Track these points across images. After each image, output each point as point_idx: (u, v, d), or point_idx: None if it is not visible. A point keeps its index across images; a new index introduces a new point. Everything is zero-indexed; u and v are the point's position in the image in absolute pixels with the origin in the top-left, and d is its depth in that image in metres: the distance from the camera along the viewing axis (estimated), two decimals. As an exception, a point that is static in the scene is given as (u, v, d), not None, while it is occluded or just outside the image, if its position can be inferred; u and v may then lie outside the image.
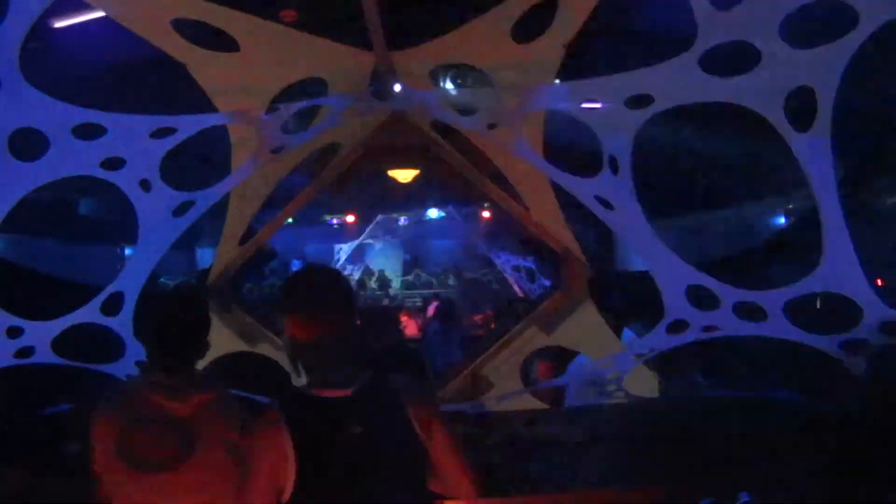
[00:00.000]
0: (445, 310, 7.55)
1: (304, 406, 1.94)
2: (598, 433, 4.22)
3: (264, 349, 5.53)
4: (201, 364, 5.00)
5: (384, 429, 1.95)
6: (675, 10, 3.01)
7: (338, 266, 14.81)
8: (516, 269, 13.64)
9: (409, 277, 17.46)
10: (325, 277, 2.11)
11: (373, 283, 15.99)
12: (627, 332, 5.37)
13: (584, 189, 3.96)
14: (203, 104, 4.29)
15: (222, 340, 5.32)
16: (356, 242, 15.77)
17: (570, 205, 4.76)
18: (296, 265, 14.50)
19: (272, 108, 4.25)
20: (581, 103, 3.64)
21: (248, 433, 1.99)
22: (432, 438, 2.01)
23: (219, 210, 4.85)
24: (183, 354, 2.41)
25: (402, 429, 1.97)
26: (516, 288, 13.31)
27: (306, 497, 1.86)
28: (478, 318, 10.30)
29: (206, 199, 4.17)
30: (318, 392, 1.95)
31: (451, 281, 17.06)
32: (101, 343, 4.21)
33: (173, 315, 2.43)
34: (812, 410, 4.16)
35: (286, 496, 1.86)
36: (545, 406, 5.18)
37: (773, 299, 3.60)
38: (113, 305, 4.10)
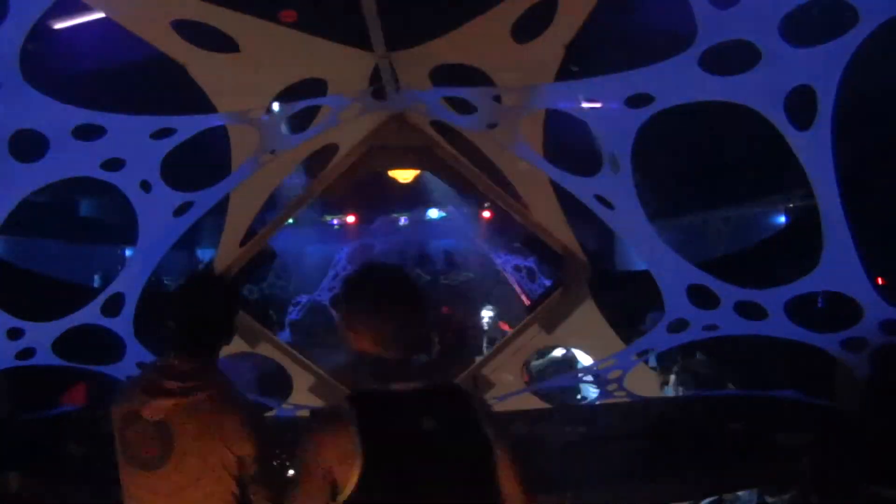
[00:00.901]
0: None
1: (376, 401, 1.90)
2: (599, 432, 4.23)
3: (264, 349, 5.54)
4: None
5: (456, 426, 1.91)
6: (674, 9, 3.01)
7: (338, 266, 14.81)
8: (517, 268, 13.63)
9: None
10: (391, 275, 2.07)
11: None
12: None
13: (584, 188, 3.96)
14: (203, 104, 4.30)
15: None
16: (357, 243, 15.74)
17: (570, 204, 4.76)
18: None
19: (272, 108, 4.25)
20: (581, 103, 3.64)
21: (307, 432, 1.93)
22: (499, 450, 1.94)
23: (219, 210, 4.85)
24: (205, 338, 2.37)
25: (473, 429, 1.92)
26: (517, 288, 13.30)
27: (370, 496, 1.81)
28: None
29: (206, 199, 4.17)
30: (390, 386, 1.91)
31: (452, 281, 17.05)
32: (102, 344, 4.21)
33: (207, 297, 2.43)
34: (813, 409, 4.16)
35: (347, 492, 1.81)
36: (546, 405, 5.19)
37: (773, 298, 3.60)
38: (113, 306, 4.10)
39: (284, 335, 10.27)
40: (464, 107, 4.34)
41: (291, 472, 3.60)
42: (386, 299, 1.97)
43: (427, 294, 2.11)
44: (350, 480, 1.80)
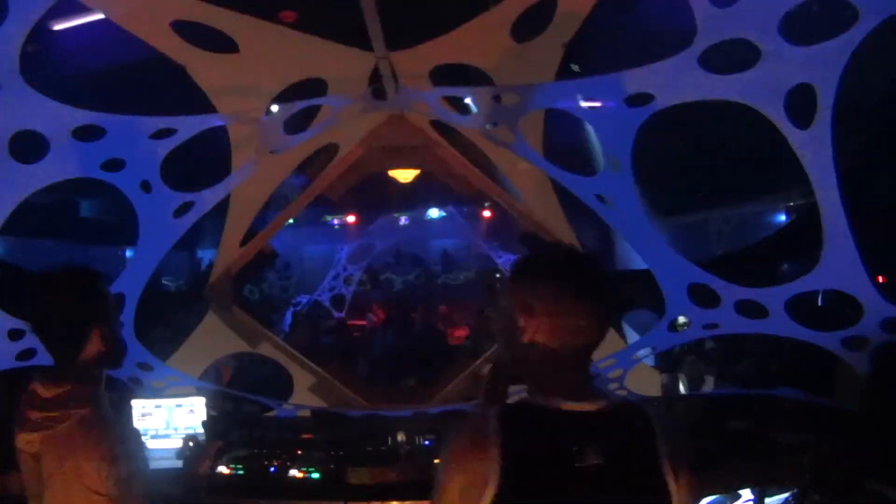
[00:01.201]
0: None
1: (530, 417, 1.53)
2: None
3: (265, 350, 5.54)
4: (202, 365, 5.02)
5: (628, 472, 1.50)
6: (674, 8, 3.01)
7: (339, 267, 14.81)
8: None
9: (411, 277, 17.48)
10: (579, 260, 1.67)
11: (368, 286, 16.02)
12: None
13: (584, 188, 3.96)
14: (203, 105, 4.30)
15: (223, 341, 5.33)
16: (357, 243, 15.75)
17: (570, 203, 4.76)
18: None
19: (272, 108, 4.25)
20: (581, 102, 3.64)
21: (446, 444, 1.60)
22: (679, 491, 1.55)
23: (219, 211, 4.85)
24: (66, 352, 2.08)
25: (651, 478, 1.51)
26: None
27: None
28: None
29: (206, 200, 4.17)
30: (557, 403, 1.52)
31: (452, 280, 17.09)
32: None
33: (55, 295, 2.09)
34: (813, 408, 4.16)
35: None
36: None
37: (774, 296, 3.60)
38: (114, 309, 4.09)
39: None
40: (464, 106, 4.34)
41: (293, 471, 3.62)
42: (591, 281, 1.59)
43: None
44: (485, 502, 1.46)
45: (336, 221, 16.19)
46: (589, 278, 1.61)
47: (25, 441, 2.03)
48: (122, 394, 4.36)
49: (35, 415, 2.01)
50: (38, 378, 2.08)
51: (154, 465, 3.77)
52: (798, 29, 2.71)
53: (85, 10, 4.86)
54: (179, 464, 3.79)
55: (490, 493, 1.45)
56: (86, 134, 3.31)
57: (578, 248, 1.78)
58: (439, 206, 15.57)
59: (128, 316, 4.09)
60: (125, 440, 2.09)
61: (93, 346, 2.11)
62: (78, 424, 1.99)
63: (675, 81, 3.10)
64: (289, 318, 11.33)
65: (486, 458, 1.46)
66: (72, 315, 2.08)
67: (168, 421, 3.97)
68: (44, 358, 3.86)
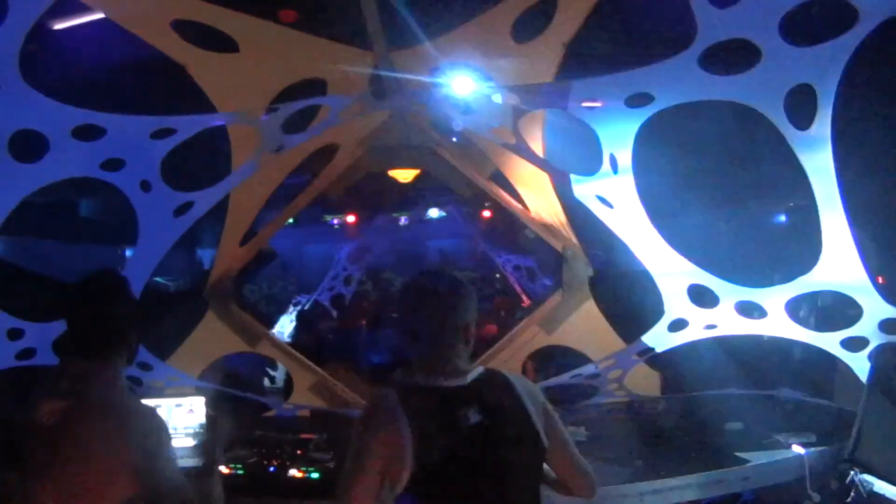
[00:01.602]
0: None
1: (421, 396, 1.95)
2: (599, 432, 4.23)
3: (264, 349, 5.54)
4: (202, 365, 5.01)
5: (502, 419, 1.96)
6: (674, 8, 3.01)
7: (339, 267, 14.81)
8: (517, 268, 13.64)
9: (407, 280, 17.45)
10: (446, 278, 2.15)
11: (368, 286, 16.01)
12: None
13: (584, 188, 3.96)
14: (203, 105, 4.29)
15: (223, 341, 5.33)
16: (356, 242, 15.74)
17: (570, 204, 4.76)
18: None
19: (272, 108, 4.25)
20: (581, 103, 3.64)
21: (360, 427, 1.96)
22: (551, 434, 2.04)
23: (219, 211, 4.85)
24: (99, 339, 2.23)
25: (520, 420, 1.99)
26: (517, 287, 13.31)
27: (423, 488, 1.86)
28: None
29: (206, 199, 4.17)
30: (436, 382, 1.98)
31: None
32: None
33: (100, 295, 2.29)
34: (813, 409, 4.16)
35: (399, 488, 1.86)
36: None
37: (773, 297, 3.60)
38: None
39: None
40: (464, 107, 4.34)
41: (292, 471, 3.62)
42: (430, 296, 2.06)
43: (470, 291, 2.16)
44: (402, 476, 1.85)
45: (335, 221, 16.17)
46: (442, 294, 2.06)
47: (49, 410, 2.08)
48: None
49: (63, 385, 2.11)
50: (69, 357, 2.21)
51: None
52: (798, 29, 2.71)
53: (85, 9, 4.85)
54: (180, 464, 3.79)
55: (409, 461, 1.84)
56: (85, 133, 3.30)
57: (444, 269, 2.43)
58: (439, 206, 15.56)
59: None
60: (152, 419, 2.22)
61: (121, 346, 2.28)
62: (109, 399, 2.13)
63: (675, 82, 3.10)
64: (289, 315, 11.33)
65: (401, 432, 1.86)
66: (109, 315, 2.28)
67: (167, 421, 3.96)
68: (44, 357, 3.88)
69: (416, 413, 1.89)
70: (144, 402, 3.97)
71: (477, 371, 2.04)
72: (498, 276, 15.51)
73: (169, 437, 2.26)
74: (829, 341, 3.59)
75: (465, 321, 2.06)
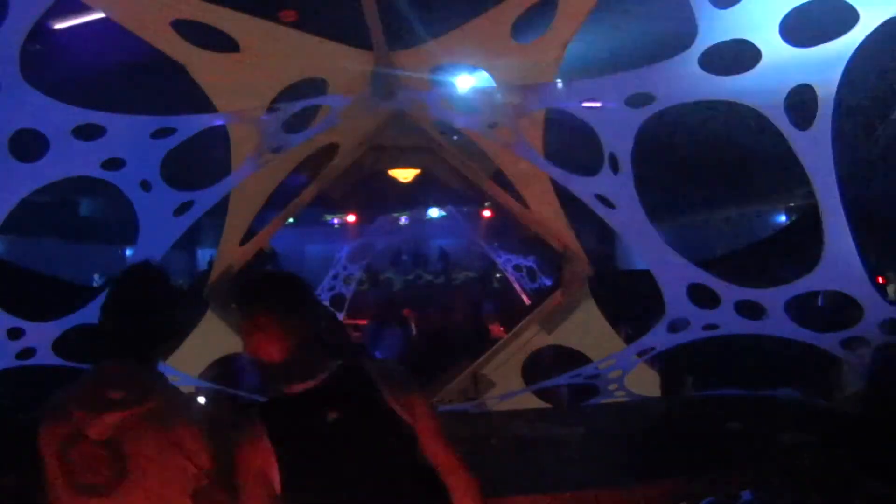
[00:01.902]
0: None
1: (276, 406, 1.99)
2: (599, 432, 4.23)
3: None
4: (202, 365, 5.00)
5: (360, 414, 1.96)
6: (674, 9, 3.01)
7: (339, 266, 14.81)
8: (517, 268, 13.65)
9: (410, 277, 17.48)
10: (275, 281, 2.09)
11: (365, 286, 16.02)
12: None
13: (584, 188, 3.96)
14: (203, 104, 4.29)
15: (222, 340, 5.32)
16: (357, 242, 15.76)
17: (570, 204, 4.76)
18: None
19: (272, 108, 4.25)
20: (581, 102, 3.64)
21: (234, 446, 1.95)
22: (417, 422, 2.01)
23: (219, 210, 4.85)
24: (147, 338, 2.10)
25: (379, 413, 1.97)
26: (517, 287, 13.31)
27: (294, 493, 1.90)
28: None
29: (206, 199, 4.17)
30: (286, 389, 1.98)
31: (452, 281, 17.10)
32: (102, 344, 4.20)
33: (147, 292, 2.13)
34: (813, 409, 4.16)
35: (278, 491, 1.90)
36: (546, 405, 5.18)
37: (773, 297, 3.60)
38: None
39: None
40: (464, 107, 4.34)
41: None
42: (256, 303, 1.99)
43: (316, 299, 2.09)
44: (277, 482, 1.89)
45: (336, 221, 16.19)
46: (278, 299, 1.99)
47: (103, 424, 1.91)
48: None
49: (117, 394, 1.94)
50: (114, 359, 2.06)
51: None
52: (798, 30, 2.71)
53: (85, 9, 4.86)
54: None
55: (277, 472, 1.88)
56: (86, 133, 3.31)
57: (277, 271, 2.34)
58: (439, 205, 15.57)
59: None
60: (208, 414, 2.20)
61: (160, 335, 2.17)
62: (170, 400, 2.02)
63: (676, 82, 3.10)
64: None
65: (266, 442, 1.89)
66: (160, 307, 2.15)
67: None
68: (43, 357, 3.88)
69: (274, 424, 1.92)
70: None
71: (329, 369, 2.01)
72: (498, 275, 15.54)
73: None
74: (830, 341, 3.59)
75: (305, 322, 1.99)
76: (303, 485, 1.91)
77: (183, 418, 1.99)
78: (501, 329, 8.27)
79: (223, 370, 5.63)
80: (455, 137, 5.60)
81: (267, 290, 2.04)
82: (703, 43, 2.85)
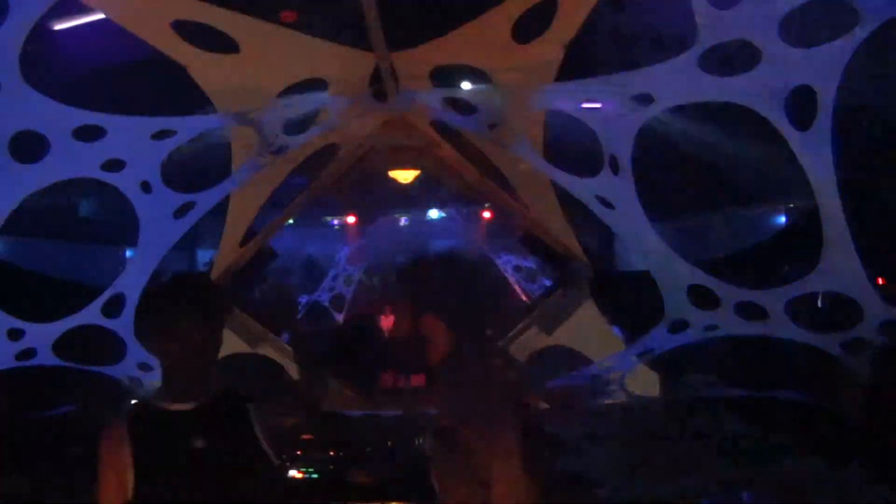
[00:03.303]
0: None
1: (150, 420, 1.91)
2: (599, 432, 4.23)
3: (265, 350, 5.53)
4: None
5: (228, 444, 1.91)
6: (675, 9, 3.01)
7: (339, 267, 14.81)
8: (517, 269, 13.64)
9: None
10: (183, 289, 2.02)
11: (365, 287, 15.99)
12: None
13: (584, 189, 3.95)
14: (203, 105, 4.30)
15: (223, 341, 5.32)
16: (357, 243, 15.74)
17: (570, 204, 4.76)
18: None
19: (272, 108, 4.25)
20: (581, 103, 3.64)
21: (98, 446, 1.91)
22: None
23: (219, 211, 4.85)
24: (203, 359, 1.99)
25: (246, 445, 1.92)
26: (517, 288, 13.31)
27: None
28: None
29: (206, 200, 4.17)
30: (164, 405, 1.93)
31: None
32: (102, 344, 4.21)
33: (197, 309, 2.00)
34: (813, 410, 4.16)
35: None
36: (545, 405, 5.18)
37: (773, 299, 3.59)
38: (114, 307, 4.10)
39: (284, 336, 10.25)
40: (464, 107, 4.34)
41: (292, 471, 3.63)
42: (177, 310, 1.93)
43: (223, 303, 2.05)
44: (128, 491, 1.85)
45: (336, 222, 16.16)
46: (190, 303, 1.94)
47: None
48: (122, 394, 4.37)
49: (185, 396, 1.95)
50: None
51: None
52: (798, 31, 2.71)
53: (85, 10, 4.86)
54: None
55: (132, 480, 1.84)
56: (86, 134, 3.31)
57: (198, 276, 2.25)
58: (439, 206, 15.55)
59: (128, 316, 4.10)
60: None
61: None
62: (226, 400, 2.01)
63: (676, 83, 3.10)
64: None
65: (126, 450, 1.84)
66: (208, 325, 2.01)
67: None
68: (44, 358, 3.88)
69: (140, 439, 1.86)
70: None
71: (210, 393, 1.95)
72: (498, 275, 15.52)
73: None
74: (830, 342, 3.59)
75: (194, 337, 1.91)
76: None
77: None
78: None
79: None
80: (454, 139, 5.60)
81: (185, 297, 1.97)
82: (703, 43, 2.85)
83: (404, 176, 8.64)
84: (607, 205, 3.91)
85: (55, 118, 3.14)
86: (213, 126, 4.09)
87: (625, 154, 3.55)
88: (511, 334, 5.66)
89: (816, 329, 3.65)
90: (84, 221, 12.46)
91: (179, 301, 1.94)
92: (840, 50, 2.66)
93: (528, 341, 5.55)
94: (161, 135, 3.58)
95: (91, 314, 4.03)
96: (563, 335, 5.46)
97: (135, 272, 4.10)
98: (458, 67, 4.42)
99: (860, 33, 2.60)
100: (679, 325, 4.09)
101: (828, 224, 3.06)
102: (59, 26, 5.53)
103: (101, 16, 4.71)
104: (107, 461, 1.87)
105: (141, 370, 4.15)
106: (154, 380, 4.23)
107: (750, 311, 3.72)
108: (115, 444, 1.86)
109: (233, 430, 1.94)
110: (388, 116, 5.14)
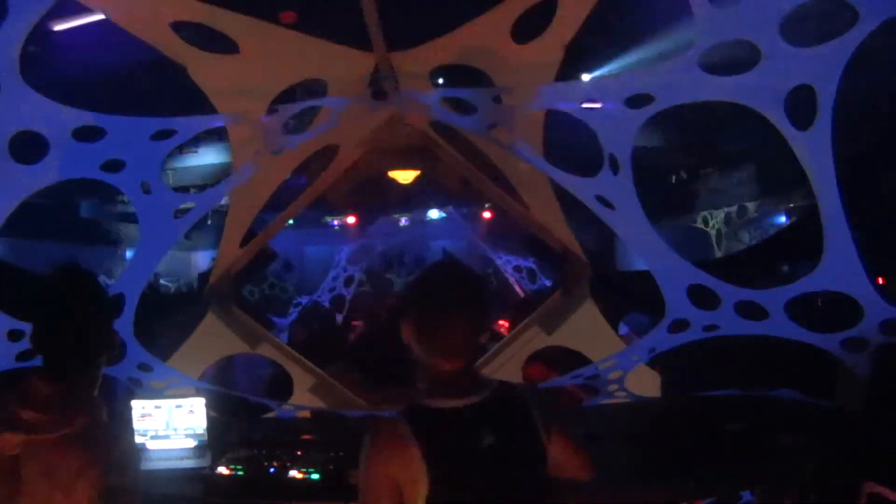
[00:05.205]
0: None
1: (432, 419, 1.81)
2: (599, 432, 4.22)
3: (265, 351, 5.53)
4: (202, 366, 5.01)
5: (515, 440, 1.85)
6: (674, 9, 3.01)
7: (339, 268, 14.83)
8: (517, 269, 13.65)
9: (411, 278, 17.48)
10: (456, 275, 1.93)
11: (367, 287, 16.02)
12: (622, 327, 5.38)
13: (584, 189, 3.95)
14: (203, 106, 4.30)
15: (223, 342, 5.33)
16: (357, 243, 15.76)
17: (570, 204, 4.76)
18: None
19: (272, 109, 4.25)
20: (581, 103, 3.63)
21: (371, 447, 1.81)
22: (554, 444, 1.93)
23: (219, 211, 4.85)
24: (77, 351, 1.95)
25: (532, 440, 1.87)
26: (517, 288, 13.31)
27: None
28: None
29: (206, 201, 4.17)
30: (445, 402, 1.83)
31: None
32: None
33: (76, 296, 1.96)
34: (813, 409, 4.16)
35: None
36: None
37: (773, 298, 3.59)
38: (114, 307, 4.10)
39: (283, 336, 10.27)
40: (464, 107, 4.34)
41: (292, 472, 3.62)
42: (456, 304, 1.83)
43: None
44: (418, 499, 1.75)
45: (336, 222, 16.19)
46: (460, 294, 1.85)
47: (5, 441, 1.84)
48: (122, 394, 4.37)
49: (28, 415, 1.85)
50: (36, 378, 1.92)
51: (154, 465, 3.78)
52: (798, 31, 2.71)
53: (85, 10, 4.86)
54: (179, 465, 3.80)
55: (423, 490, 1.73)
56: (86, 135, 3.31)
57: (459, 264, 2.19)
58: (439, 206, 15.57)
59: (128, 316, 4.10)
60: (124, 451, 1.98)
61: (95, 347, 2.02)
62: (76, 433, 1.87)
63: (676, 82, 3.10)
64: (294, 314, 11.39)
65: (411, 459, 1.73)
66: (80, 315, 1.97)
67: (168, 422, 3.97)
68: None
69: (427, 440, 1.75)
70: (143, 402, 4.00)
71: (490, 386, 1.88)
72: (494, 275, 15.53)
73: (139, 466, 2.07)
74: (830, 341, 3.59)
75: (478, 328, 1.85)
76: None
77: (84, 457, 1.85)
78: (506, 324, 8.29)
79: (222, 372, 5.64)
80: (454, 140, 5.60)
81: (461, 283, 1.88)
82: (703, 43, 2.85)
83: (404, 176, 8.65)
84: (607, 205, 3.90)
85: (55, 119, 3.14)
86: (213, 126, 4.09)
87: (624, 154, 3.55)
88: (511, 334, 5.66)
89: (816, 329, 3.65)
90: (84, 222, 12.48)
91: (459, 287, 1.89)
92: (840, 49, 2.66)
93: (528, 341, 5.56)
94: (161, 135, 3.58)
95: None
96: (564, 335, 5.46)
97: (135, 272, 4.10)
98: (458, 67, 4.42)
99: (860, 33, 2.60)
100: (679, 325, 4.09)
101: (828, 223, 3.05)
102: (58, 26, 5.53)
103: (100, 16, 4.71)
104: (395, 459, 1.77)
105: (141, 370, 4.15)
106: (154, 380, 4.23)
107: (750, 311, 3.72)
108: (398, 451, 1.76)
109: (518, 424, 1.88)
110: (388, 116, 5.14)
